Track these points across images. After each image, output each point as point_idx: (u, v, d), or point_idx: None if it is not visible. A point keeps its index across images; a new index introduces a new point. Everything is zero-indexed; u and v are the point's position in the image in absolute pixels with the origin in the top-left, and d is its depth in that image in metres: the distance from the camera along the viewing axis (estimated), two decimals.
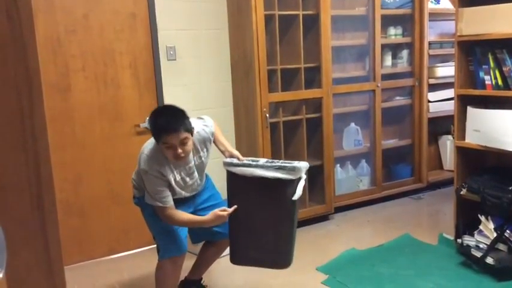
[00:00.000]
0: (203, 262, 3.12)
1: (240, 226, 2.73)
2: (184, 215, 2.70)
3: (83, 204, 3.82)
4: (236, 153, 2.79)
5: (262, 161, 2.74)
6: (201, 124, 2.82)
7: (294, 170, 2.56)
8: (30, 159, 0.94)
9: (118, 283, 3.51)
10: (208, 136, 2.81)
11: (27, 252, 0.93)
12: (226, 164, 2.72)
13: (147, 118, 2.75)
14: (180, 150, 2.53)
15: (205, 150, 2.81)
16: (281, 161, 2.76)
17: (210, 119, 2.93)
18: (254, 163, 2.66)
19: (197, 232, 2.98)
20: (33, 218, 0.94)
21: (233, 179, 2.70)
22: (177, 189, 2.71)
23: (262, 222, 2.67)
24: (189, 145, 2.59)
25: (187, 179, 2.75)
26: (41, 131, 0.95)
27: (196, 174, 2.79)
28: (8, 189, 0.89)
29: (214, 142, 2.89)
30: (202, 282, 3.20)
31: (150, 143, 2.70)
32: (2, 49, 0.90)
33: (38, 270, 0.95)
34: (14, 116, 0.92)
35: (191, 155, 2.70)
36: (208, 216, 2.66)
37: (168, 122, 2.52)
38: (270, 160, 2.78)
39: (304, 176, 2.62)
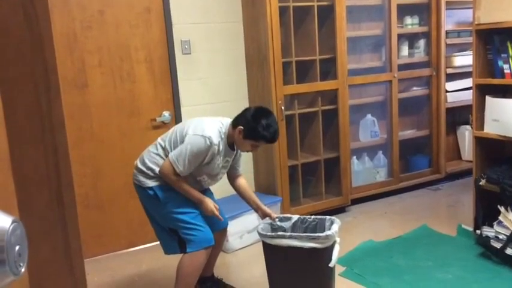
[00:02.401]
0: (209, 258, 3.04)
1: None
2: (186, 183, 2.75)
3: (101, 198, 3.86)
4: (269, 211, 2.95)
5: (294, 218, 2.91)
6: None
7: (327, 238, 2.60)
8: (49, 155, 0.95)
9: (137, 275, 3.55)
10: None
11: (47, 246, 0.95)
12: (261, 236, 2.76)
13: (246, 111, 2.81)
14: (254, 150, 2.85)
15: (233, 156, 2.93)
16: (313, 217, 2.92)
17: None
18: (288, 234, 2.69)
19: None
20: (53, 213, 0.96)
21: (270, 250, 2.75)
22: (207, 170, 2.79)
23: None
24: None
25: (218, 171, 2.85)
26: (59, 127, 0.97)
27: (224, 170, 2.91)
28: (27, 184, 0.90)
29: (237, 188, 3.04)
30: (216, 276, 3.22)
31: (215, 125, 2.77)
32: (20, 46, 0.92)
33: (58, 264, 0.97)
34: (33, 113, 0.93)
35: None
36: (206, 199, 2.77)
37: (276, 135, 2.75)
38: (302, 217, 2.93)
39: (337, 240, 2.67)
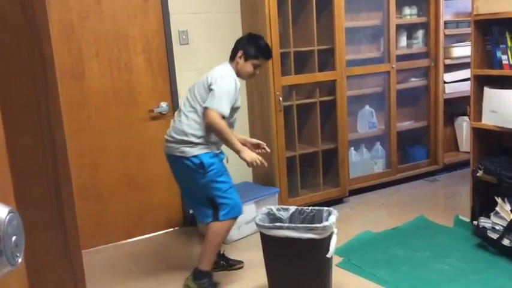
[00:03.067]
0: None
1: (278, 286, 2.82)
2: (226, 125, 2.87)
3: (99, 189, 3.86)
4: (256, 141, 3.25)
5: (292, 209, 2.94)
6: None
7: (325, 229, 2.61)
8: (46, 146, 0.95)
9: (135, 266, 3.56)
10: None
11: (45, 237, 0.95)
12: (259, 227, 2.77)
13: (240, 39, 3.17)
14: (257, 72, 3.12)
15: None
16: (310, 208, 2.95)
17: None
18: (286, 225, 2.71)
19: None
20: (50, 204, 0.96)
21: (267, 241, 2.77)
22: (235, 107, 3.00)
23: (298, 280, 2.74)
24: None
25: (234, 114, 3.03)
26: (56, 117, 0.96)
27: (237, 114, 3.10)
28: (24, 175, 0.90)
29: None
30: (222, 252, 3.40)
31: (225, 67, 3.05)
32: (16, 36, 0.91)
33: (56, 255, 0.97)
34: (30, 104, 0.93)
35: None
36: (244, 150, 2.92)
37: (270, 49, 3.13)
38: (300, 208, 2.97)
39: (335, 231, 2.68)
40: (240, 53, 3.03)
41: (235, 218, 3.04)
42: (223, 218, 2.97)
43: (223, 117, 2.84)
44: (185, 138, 2.90)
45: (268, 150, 3.23)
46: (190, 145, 2.90)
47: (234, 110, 2.98)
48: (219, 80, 2.90)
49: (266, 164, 2.96)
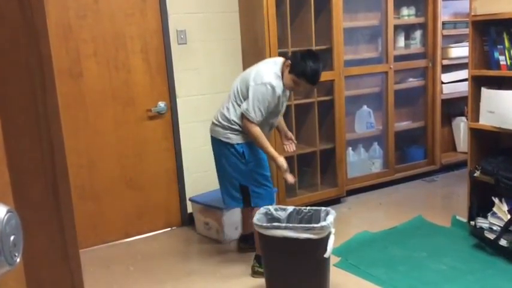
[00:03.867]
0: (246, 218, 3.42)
1: (276, 286, 2.83)
2: (264, 137, 3.05)
3: (97, 188, 3.86)
4: (290, 135, 3.39)
5: (290, 209, 2.96)
6: None
7: (322, 229, 2.61)
8: (44, 145, 0.95)
9: (132, 266, 3.55)
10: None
11: (42, 236, 0.95)
12: (257, 226, 2.77)
13: (298, 52, 3.13)
14: (299, 89, 3.25)
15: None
16: (308, 208, 2.97)
17: None
18: (284, 225, 2.72)
19: None
20: (48, 203, 0.95)
21: (265, 241, 2.78)
22: (276, 110, 3.10)
23: (296, 280, 2.75)
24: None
25: (281, 107, 3.16)
26: (54, 116, 0.96)
27: (285, 104, 3.24)
28: (22, 174, 0.90)
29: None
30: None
31: (270, 65, 3.05)
32: (14, 35, 0.91)
33: (54, 254, 0.97)
34: (27, 103, 0.92)
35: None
36: (281, 157, 3.07)
37: (316, 76, 2.99)
38: (298, 208, 2.99)
39: (333, 231, 2.69)
40: (287, 62, 3.02)
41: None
42: (255, 205, 3.13)
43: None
44: (230, 125, 3.10)
45: (294, 147, 3.40)
46: (235, 132, 3.10)
47: (273, 113, 3.10)
48: (254, 88, 2.98)
49: (293, 181, 3.20)
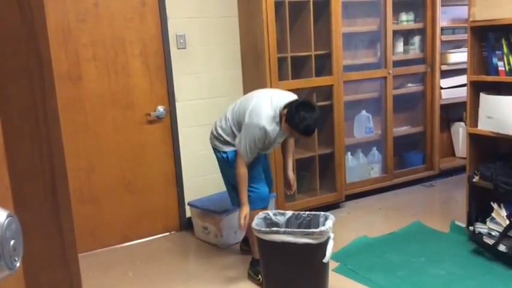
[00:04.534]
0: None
1: None
2: (246, 174, 3.07)
3: (96, 192, 3.85)
4: (292, 178, 3.44)
5: (288, 214, 2.95)
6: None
7: (321, 234, 2.61)
8: (43, 148, 0.94)
9: (131, 270, 3.54)
10: None
11: (41, 240, 0.95)
12: (256, 231, 2.77)
13: (295, 100, 3.02)
14: (295, 137, 3.24)
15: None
16: (307, 212, 2.96)
17: None
18: (282, 229, 2.72)
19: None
20: (47, 207, 0.95)
21: (264, 245, 2.77)
22: (267, 147, 3.12)
23: (295, 285, 2.75)
24: None
25: (271, 146, 3.17)
26: (53, 120, 0.96)
27: (281, 141, 3.23)
28: (21, 178, 0.90)
29: (282, 147, 3.42)
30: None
31: (267, 109, 2.99)
32: (14, 39, 0.91)
33: (53, 258, 0.96)
34: (27, 106, 0.92)
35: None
36: (244, 205, 3.07)
37: (308, 129, 2.94)
38: (296, 213, 2.98)
39: (331, 236, 2.69)
40: (284, 111, 2.96)
41: (257, 209, 3.12)
42: (249, 208, 3.13)
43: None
44: (218, 136, 3.23)
45: (290, 193, 3.56)
46: (222, 142, 3.21)
47: (265, 148, 3.11)
48: (247, 126, 3.00)
49: (242, 229, 3.22)
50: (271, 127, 2.96)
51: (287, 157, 3.46)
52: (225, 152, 3.21)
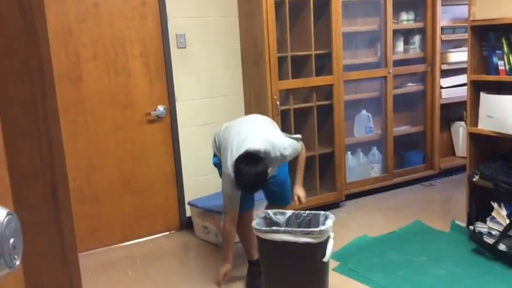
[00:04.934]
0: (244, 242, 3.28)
1: None
2: (231, 241, 3.05)
3: (96, 192, 3.85)
4: (301, 194, 3.19)
5: (289, 213, 2.91)
6: (281, 147, 2.88)
7: (321, 233, 2.60)
8: (43, 148, 0.95)
9: (131, 270, 3.55)
10: (279, 160, 2.93)
11: (41, 240, 0.95)
12: (256, 230, 2.76)
13: (234, 163, 2.79)
14: None
15: (273, 169, 2.96)
16: (307, 211, 2.93)
17: (296, 145, 3.02)
18: (282, 229, 2.71)
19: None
20: (47, 206, 0.95)
21: (264, 245, 2.77)
22: None
23: (295, 285, 2.74)
24: None
25: None
26: (53, 120, 0.96)
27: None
28: (22, 178, 0.90)
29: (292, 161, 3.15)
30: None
31: (231, 152, 2.87)
32: (14, 38, 0.91)
33: (53, 258, 0.97)
34: (27, 106, 0.93)
35: None
36: (227, 264, 3.05)
37: (247, 188, 2.77)
38: (297, 212, 2.95)
39: (331, 235, 2.68)
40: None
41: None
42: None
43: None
44: (213, 142, 3.20)
45: (299, 203, 3.28)
46: (213, 147, 3.20)
47: None
48: (223, 174, 2.94)
49: (219, 281, 3.12)
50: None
51: (295, 172, 3.21)
52: (215, 156, 3.19)
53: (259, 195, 3.50)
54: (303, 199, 3.22)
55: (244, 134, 2.89)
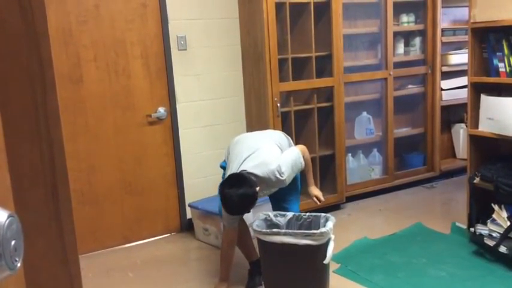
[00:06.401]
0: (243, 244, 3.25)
1: None
2: (229, 260, 3.01)
3: (96, 193, 3.85)
4: (317, 193, 3.16)
5: (289, 215, 2.91)
6: (278, 172, 2.80)
7: (322, 235, 2.60)
8: (44, 150, 0.95)
9: (131, 271, 3.54)
10: (276, 183, 2.87)
11: (42, 241, 0.95)
12: (256, 232, 2.76)
13: (219, 188, 2.82)
14: None
15: (273, 189, 2.96)
16: (308, 213, 2.93)
17: (298, 164, 2.95)
18: (283, 231, 2.70)
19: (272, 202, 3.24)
20: (48, 208, 0.95)
21: (264, 247, 2.76)
22: None
23: (295, 287, 2.74)
24: None
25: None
26: (54, 121, 0.96)
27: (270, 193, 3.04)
28: (22, 179, 0.90)
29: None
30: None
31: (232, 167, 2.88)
32: (15, 40, 0.91)
33: (53, 259, 0.97)
34: (28, 107, 0.93)
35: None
36: (222, 282, 3.03)
37: (232, 209, 2.74)
38: (297, 214, 2.95)
39: (332, 237, 2.67)
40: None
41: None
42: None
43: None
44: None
45: (319, 203, 3.24)
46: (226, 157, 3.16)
47: None
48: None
49: None
50: None
51: (306, 174, 3.18)
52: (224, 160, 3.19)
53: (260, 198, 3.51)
54: (321, 197, 3.19)
55: (245, 155, 2.88)
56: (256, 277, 3.13)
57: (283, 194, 3.09)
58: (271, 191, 2.98)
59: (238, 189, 2.64)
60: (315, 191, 3.20)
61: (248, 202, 2.71)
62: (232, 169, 2.85)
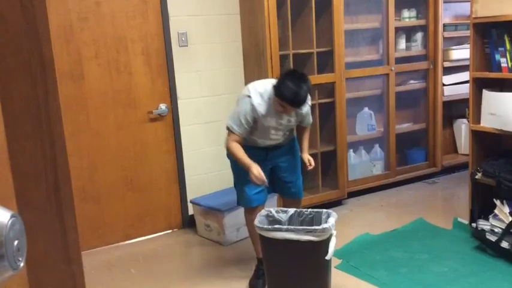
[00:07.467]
0: None
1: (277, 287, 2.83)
2: (240, 150, 2.91)
3: (98, 191, 3.86)
4: (307, 158, 3.20)
5: (291, 211, 2.92)
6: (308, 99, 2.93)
7: (324, 231, 2.60)
8: (46, 147, 0.95)
9: (134, 268, 3.55)
10: (305, 108, 3.01)
11: (45, 239, 0.95)
12: (258, 229, 2.76)
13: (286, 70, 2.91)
14: (286, 112, 2.86)
15: (295, 115, 3.01)
16: (309, 210, 2.93)
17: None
18: (285, 227, 2.70)
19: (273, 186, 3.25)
20: (50, 206, 0.95)
21: (266, 243, 2.76)
22: (259, 133, 2.98)
23: (297, 282, 2.74)
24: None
25: (273, 131, 3.00)
26: (56, 119, 0.96)
27: (281, 132, 3.04)
28: (24, 177, 0.90)
29: (297, 133, 3.23)
30: None
31: (261, 83, 2.97)
32: (16, 37, 0.91)
33: (56, 256, 0.97)
34: (29, 105, 0.93)
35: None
36: (252, 165, 2.85)
37: (296, 97, 2.74)
38: (299, 210, 2.95)
39: (334, 233, 2.67)
40: (274, 85, 2.83)
41: (245, 208, 3.15)
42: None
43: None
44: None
45: (310, 167, 3.26)
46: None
47: (257, 128, 2.96)
48: (238, 99, 3.00)
49: (266, 184, 2.96)
50: (258, 101, 2.86)
51: (302, 141, 3.26)
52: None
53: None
54: (312, 162, 3.23)
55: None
56: (260, 280, 3.10)
57: (285, 171, 3.19)
58: (290, 121, 2.99)
59: (303, 82, 2.75)
60: (308, 156, 3.27)
61: (308, 90, 2.79)
62: (256, 82, 2.98)
